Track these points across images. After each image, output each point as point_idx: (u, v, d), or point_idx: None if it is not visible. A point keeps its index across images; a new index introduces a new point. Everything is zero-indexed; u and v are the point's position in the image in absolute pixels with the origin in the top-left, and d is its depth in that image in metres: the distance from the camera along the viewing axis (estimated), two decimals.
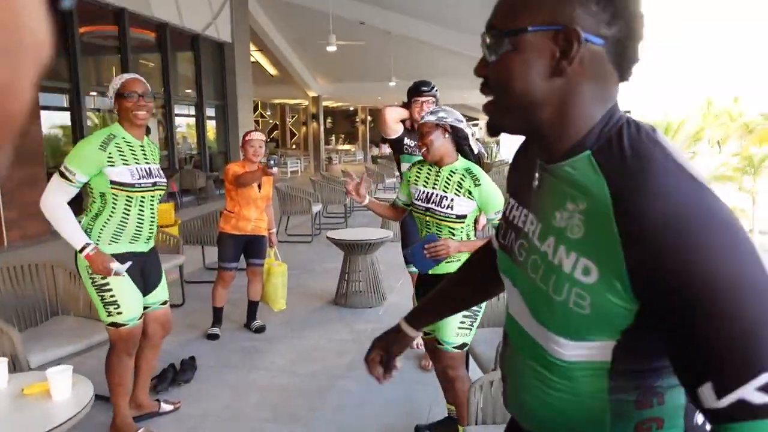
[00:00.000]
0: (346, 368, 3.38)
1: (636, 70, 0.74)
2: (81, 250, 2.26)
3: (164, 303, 2.64)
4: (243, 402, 2.96)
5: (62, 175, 2.25)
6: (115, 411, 2.49)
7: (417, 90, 3.18)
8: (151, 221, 2.45)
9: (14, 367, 2.23)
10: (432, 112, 2.27)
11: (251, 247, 3.87)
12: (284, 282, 4.08)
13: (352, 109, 31.30)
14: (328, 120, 26.97)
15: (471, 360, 2.67)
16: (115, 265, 2.30)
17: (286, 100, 24.36)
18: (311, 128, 21.50)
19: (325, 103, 22.02)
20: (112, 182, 2.29)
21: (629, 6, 0.70)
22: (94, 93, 8.04)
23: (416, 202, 2.35)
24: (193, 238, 5.35)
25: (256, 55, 15.57)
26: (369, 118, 29.96)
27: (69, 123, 7.70)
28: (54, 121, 7.71)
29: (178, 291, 4.69)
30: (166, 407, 2.80)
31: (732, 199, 19.54)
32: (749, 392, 0.57)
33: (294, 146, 27.21)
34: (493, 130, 0.81)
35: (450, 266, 2.27)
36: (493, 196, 2.24)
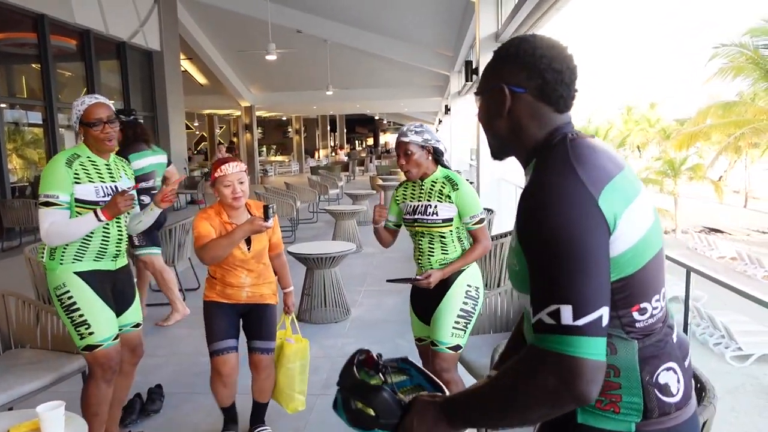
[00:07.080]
0: (321, 386, 3.27)
1: (575, 100, 1.04)
2: (100, 219, 2.21)
3: (136, 326, 2.48)
4: (216, 427, 2.79)
5: (47, 204, 2.18)
6: None
7: None
8: (118, 239, 2.36)
9: None
10: (417, 132, 2.32)
11: (250, 323, 2.56)
12: (304, 366, 2.67)
13: (284, 119, 30.82)
14: (258, 130, 26.43)
15: (462, 369, 2.66)
16: (124, 187, 2.34)
17: (215, 110, 23.65)
18: (245, 139, 20.94)
19: (257, 113, 21.56)
20: (77, 200, 2.23)
21: (540, 66, 1.00)
22: (4, 105, 7.49)
23: (405, 217, 2.46)
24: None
25: (185, 64, 15.05)
26: (303, 127, 29.57)
27: None
28: None
29: None
30: None
31: (656, 201, 20.88)
32: (543, 315, 0.88)
33: None
34: (491, 153, 1.13)
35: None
36: (470, 200, 2.34)
